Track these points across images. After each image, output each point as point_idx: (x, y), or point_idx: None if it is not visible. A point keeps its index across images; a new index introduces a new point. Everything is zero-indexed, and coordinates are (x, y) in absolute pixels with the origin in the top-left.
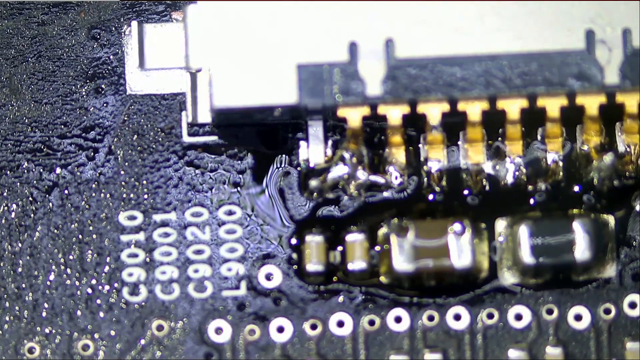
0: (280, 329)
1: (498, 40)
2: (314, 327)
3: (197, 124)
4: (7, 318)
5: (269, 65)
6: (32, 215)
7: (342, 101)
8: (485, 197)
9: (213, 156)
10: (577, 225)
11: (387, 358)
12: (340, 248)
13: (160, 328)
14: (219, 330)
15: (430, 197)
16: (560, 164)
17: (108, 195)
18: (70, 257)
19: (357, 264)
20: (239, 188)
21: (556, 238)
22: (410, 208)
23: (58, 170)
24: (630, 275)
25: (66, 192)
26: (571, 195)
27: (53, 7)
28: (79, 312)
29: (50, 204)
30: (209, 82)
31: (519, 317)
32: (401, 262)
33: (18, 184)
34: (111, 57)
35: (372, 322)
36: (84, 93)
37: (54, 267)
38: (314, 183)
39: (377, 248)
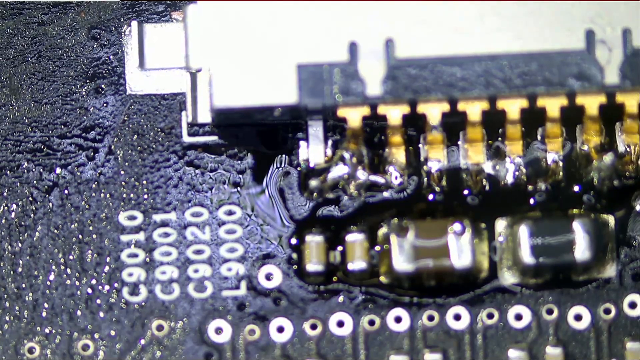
0: (280, 329)
1: (498, 40)
2: (314, 327)
3: (197, 124)
4: (7, 318)
5: (269, 65)
6: (32, 215)
7: (342, 101)
8: (485, 197)
9: (213, 156)
10: (577, 225)
11: (387, 358)
12: (340, 248)
13: (160, 328)
14: (219, 330)
15: (430, 197)
16: (560, 164)
17: (108, 195)
18: (70, 257)
19: (357, 264)
20: (239, 188)
21: (556, 238)
22: (410, 208)
23: (58, 170)
24: (630, 275)
25: (66, 192)
26: (571, 195)
27: (53, 7)
28: (79, 312)
29: (50, 204)
30: (209, 82)
31: (519, 317)
32: (401, 262)
33: (18, 184)
34: (111, 57)
35: (372, 322)
36: (84, 93)
37: (54, 267)
38: (314, 183)
39: (377, 248)
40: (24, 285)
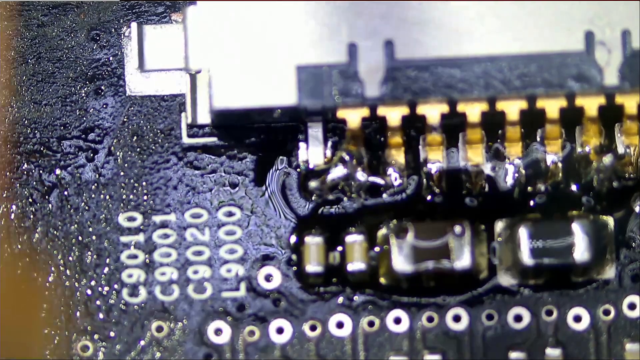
0: (280, 330)
1: (497, 41)
2: (313, 328)
3: (197, 125)
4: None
5: (269, 66)
6: (31, 216)
7: (341, 102)
8: (484, 199)
9: (213, 157)
10: (576, 227)
11: (387, 359)
12: (339, 249)
13: (159, 329)
14: (218, 332)
15: (430, 198)
16: (560, 165)
17: (108, 197)
18: (70, 258)
19: (356, 265)
20: (238, 189)
21: (555, 239)
22: (410, 209)
23: (58, 171)
24: (630, 276)
25: (66, 193)
26: (570, 197)
27: (53, 8)
28: (78, 313)
29: (50, 205)
30: (209, 84)
31: (518, 318)
32: (401, 263)
33: (18, 185)
34: (111, 58)
35: (371, 323)
36: (83, 94)
37: (53, 268)
38: (313, 184)
39: (377, 249)
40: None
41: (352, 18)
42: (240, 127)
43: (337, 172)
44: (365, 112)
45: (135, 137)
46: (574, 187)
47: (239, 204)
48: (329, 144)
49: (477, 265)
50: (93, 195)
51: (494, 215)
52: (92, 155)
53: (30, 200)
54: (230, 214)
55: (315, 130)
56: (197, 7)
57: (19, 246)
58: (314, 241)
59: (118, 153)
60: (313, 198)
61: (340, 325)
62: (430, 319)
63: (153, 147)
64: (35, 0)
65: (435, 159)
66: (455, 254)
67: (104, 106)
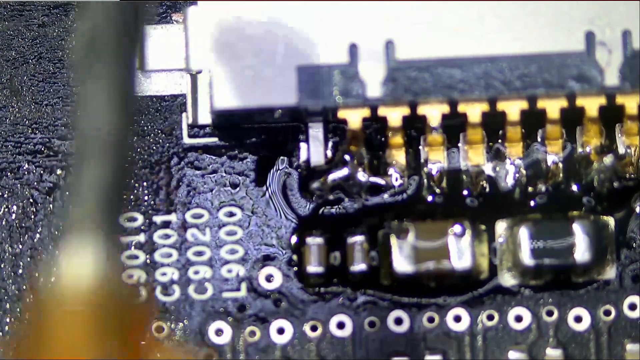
0: (281, 331)
1: (498, 41)
2: (314, 328)
3: (198, 126)
4: (7, 320)
5: (269, 66)
6: (32, 216)
7: (342, 103)
8: (485, 199)
9: (213, 158)
10: (577, 227)
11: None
12: (340, 249)
13: (160, 330)
14: (219, 332)
15: (430, 198)
16: (560, 165)
17: None
18: None
19: (357, 266)
20: (239, 189)
21: (556, 240)
22: (411, 210)
23: (59, 171)
24: (630, 276)
25: (67, 193)
26: (571, 197)
27: (54, 8)
28: None
29: (51, 206)
30: (210, 84)
31: (519, 319)
32: (401, 264)
33: (19, 185)
34: None
35: (372, 324)
36: None
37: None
38: (314, 185)
39: (378, 249)
40: (24, 287)
41: (353, 18)
42: (241, 128)
43: (338, 172)
44: (366, 112)
45: (135, 138)
46: (574, 188)
47: (239, 205)
48: (330, 144)
49: (477, 265)
50: None
51: (495, 216)
52: None
53: (31, 200)
54: (231, 215)
55: (316, 131)
56: (198, 7)
57: (20, 246)
58: (314, 241)
59: None
60: (314, 198)
61: (341, 325)
62: (430, 320)
63: (154, 148)
64: (36, 0)
65: (436, 159)
66: (455, 254)
67: None
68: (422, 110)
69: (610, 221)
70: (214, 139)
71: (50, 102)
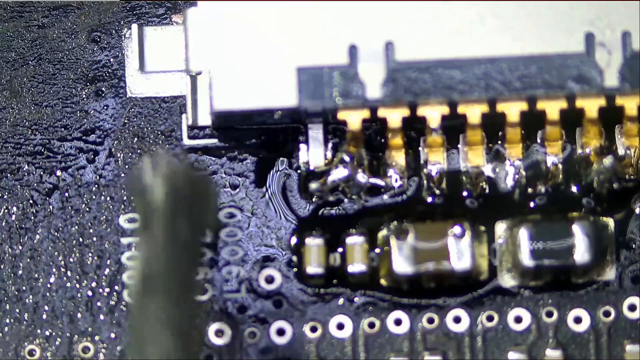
0: (281, 332)
1: (497, 42)
2: (314, 329)
3: (198, 127)
4: (7, 320)
5: (269, 67)
6: (32, 217)
7: (342, 104)
8: (485, 200)
9: (213, 159)
10: (576, 228)
11: None
12: (340, 250)
13: None
14: (219, 333)
15: (430, 199)
16: (560, 166)
17: (108, 198)
18: (71, 259)
19: (357, 267)
20: (239, 190)
21: (556, 241)
22: (410, 210)
23: (58, 172)
24: (630, 277)
25: (66, 194)
26: (571, 198)
27: (53, 9)
28: (79, 315)
29: (51, 207)
30: (209, 85)
31: (518, 320)
32: (401, 265)
33: (18, 186)
34: (111, 60)
35: (372, 325)
36: (84, 96)
37: (54, 269)
38: (314, 186)
39: (377, 250)
40: (24, 288)
41: (353, 19)
42: (240, 129)
43: (338, 173)
44: (365, 113)
45: (135, 139)
46: (574, 189)
47: (239, 206)
48: (330, 145)
49: (477, 266)
50: (94, 197)
51: (495, 217)
52: (92, 156)
53: (31, 201)
54: (231, 216)
55: (316, 132)
56: (198, 8)
57: (20, 247)
58: (314, 242)
59: (119, 154)
60: (313, 199)
61: (340, 326)
62: (430, 320)
63: (154, 149)
64: (36, 1)
65: (436, 160)
66: (455, 255)
67: (105, 107)
68: (421, 111)
69: (610, 222)
70: (214, 140)
71: (50, 104)
